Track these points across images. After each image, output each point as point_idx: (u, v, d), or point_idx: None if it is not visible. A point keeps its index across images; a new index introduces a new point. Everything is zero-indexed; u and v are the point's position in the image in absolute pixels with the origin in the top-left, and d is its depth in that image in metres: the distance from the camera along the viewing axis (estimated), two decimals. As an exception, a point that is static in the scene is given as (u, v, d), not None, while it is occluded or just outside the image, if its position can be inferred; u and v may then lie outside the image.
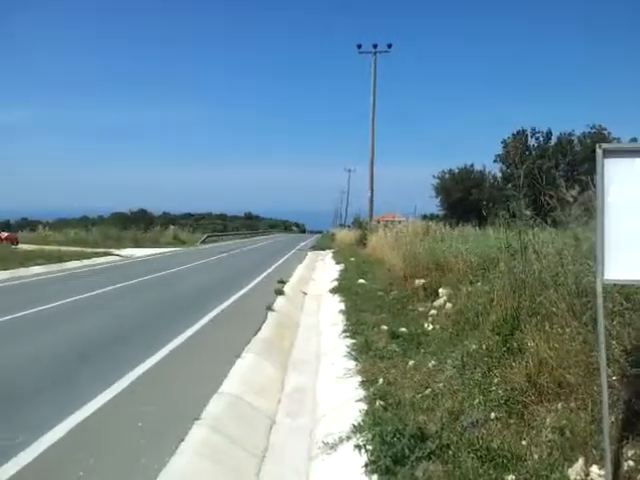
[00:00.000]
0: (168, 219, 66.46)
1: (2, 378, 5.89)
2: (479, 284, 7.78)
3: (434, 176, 39.24)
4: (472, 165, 39.32)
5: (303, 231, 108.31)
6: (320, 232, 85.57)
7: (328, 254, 27.76)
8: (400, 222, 24.50)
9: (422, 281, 10.60)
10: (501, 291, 5.25)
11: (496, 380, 4.21)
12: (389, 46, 29.31)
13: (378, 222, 29.32)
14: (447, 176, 38.59)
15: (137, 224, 43.02)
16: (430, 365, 5.14)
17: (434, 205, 39.82)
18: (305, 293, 14.06)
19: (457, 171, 38.60)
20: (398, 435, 3.56)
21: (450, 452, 3.46)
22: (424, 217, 26.19)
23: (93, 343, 7.58)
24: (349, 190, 75.70)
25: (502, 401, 3.87)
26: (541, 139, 37.89)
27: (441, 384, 4.55)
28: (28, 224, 51.13)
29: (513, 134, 38.28)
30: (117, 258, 24.81)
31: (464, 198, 36.04)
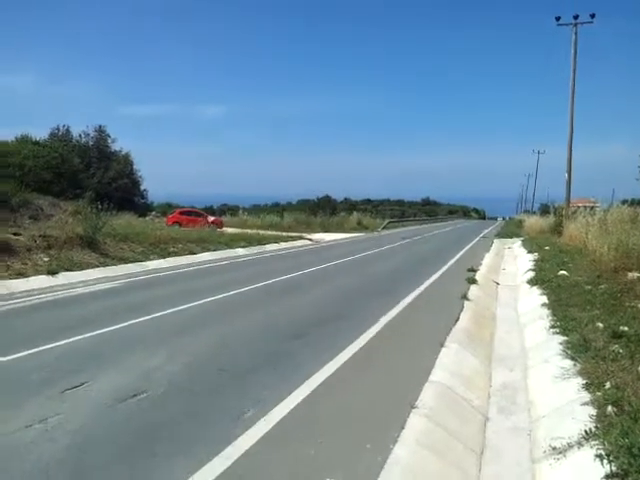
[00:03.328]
0: (349, 205, 68.57)
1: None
2: None
3: (643, 155, 34.34)
4: (694, 141, 33.59)
5: (483, 217, 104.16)
6: (498, 219, 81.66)
7: (516, 242, 26.18)
8: (594, 207, 22.04)
9: (637, 274, 9.48)
10: None
11: None
12: (592, 16, 25.79)
13: (571, 207, 26.75)
14: (661, 155, 33.55)
15: (323, 210, 45.15)
16: (673, 373, 4.52)
17: (643, 188, 34.91)
18: (497, 283, 13.46)
19: (674, 148, 33.32)
20: (649, 449, 3.20)
21: None
22: (629, 203, 22.90)
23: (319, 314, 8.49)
24: (537, 174, 69.89)
25: None
26: None
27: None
28: (228, 209, 57.14)
29: None
30: (309, 242, 26.45)
31: (683, 180, 31.04)
